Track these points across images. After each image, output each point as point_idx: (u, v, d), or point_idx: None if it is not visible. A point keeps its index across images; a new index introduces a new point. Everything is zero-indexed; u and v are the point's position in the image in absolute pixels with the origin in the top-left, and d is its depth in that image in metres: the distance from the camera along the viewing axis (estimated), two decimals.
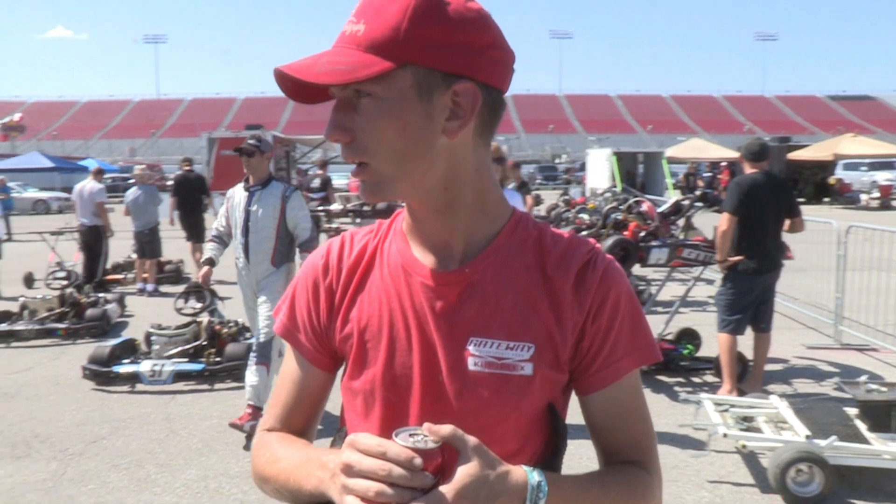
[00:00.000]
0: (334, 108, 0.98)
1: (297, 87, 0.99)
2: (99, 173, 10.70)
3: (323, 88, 0.98)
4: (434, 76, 0.94)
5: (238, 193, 5.05)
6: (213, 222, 5.33)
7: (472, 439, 0.89)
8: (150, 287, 10.35)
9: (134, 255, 10.95)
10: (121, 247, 12.39)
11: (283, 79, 0.97)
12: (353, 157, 0.98)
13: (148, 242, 10.38)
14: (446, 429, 0.88)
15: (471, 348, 1.01)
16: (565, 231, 1.13)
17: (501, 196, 1.09)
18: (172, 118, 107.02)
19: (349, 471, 0.87)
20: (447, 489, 0.85)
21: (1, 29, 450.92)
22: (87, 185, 10.42)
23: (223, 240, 5.20)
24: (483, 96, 0.97)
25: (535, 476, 0.92)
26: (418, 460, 0.84)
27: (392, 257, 1.08)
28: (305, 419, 1.17)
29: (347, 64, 0.92)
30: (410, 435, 0.88)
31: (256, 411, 4.72)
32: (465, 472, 0.86)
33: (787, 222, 5.42)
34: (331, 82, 0.92)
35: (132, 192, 10.45)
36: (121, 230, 11.57)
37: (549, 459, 1.07)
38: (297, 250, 5.04)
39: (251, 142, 4.93)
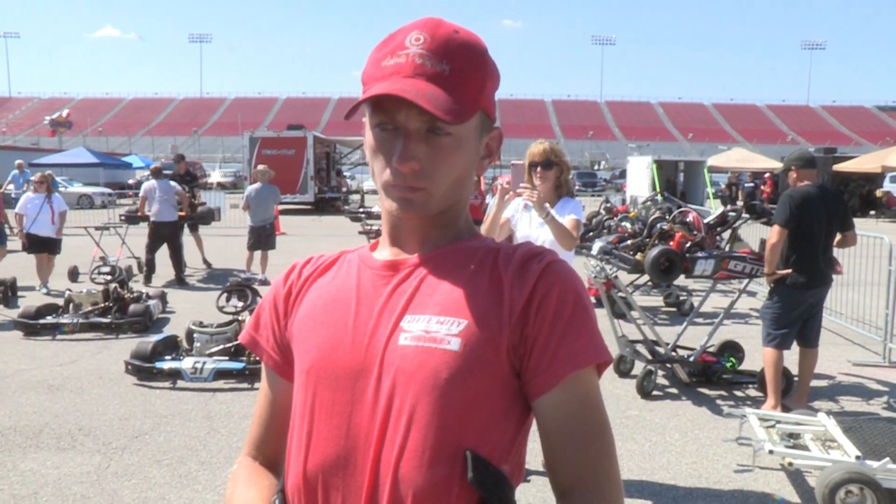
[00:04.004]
0: (408, 138, 1.02)
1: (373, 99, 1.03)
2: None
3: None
4: (488, 121, 1.11)
5: None
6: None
7: None
8: (261, 277, 10.94)
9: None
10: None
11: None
12: (416, 183, 1.04)
13: (267, 236, 11.07)
14: None
15: (403, 324, 1.02)
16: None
17: (469, 219, 1.18)
18: (215, 116, 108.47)
19: None
20: None
21: (53, 28, 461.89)
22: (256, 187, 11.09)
23: None
24: None
25: None
26: None
27: (350, 260, 1.17)
28: (281, 436, 1.15)
29: (449, 104, 1.00)
30: None
31: None
32: None
33: (837, 236, 5.31)
34: (447, 120, 0.99)
35: (252, 188, 11.06)
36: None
37: None
38: None
39: None
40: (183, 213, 11.47)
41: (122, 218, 12.63)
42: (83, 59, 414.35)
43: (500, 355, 0.99)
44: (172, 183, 11.54)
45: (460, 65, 1.03)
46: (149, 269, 10.99)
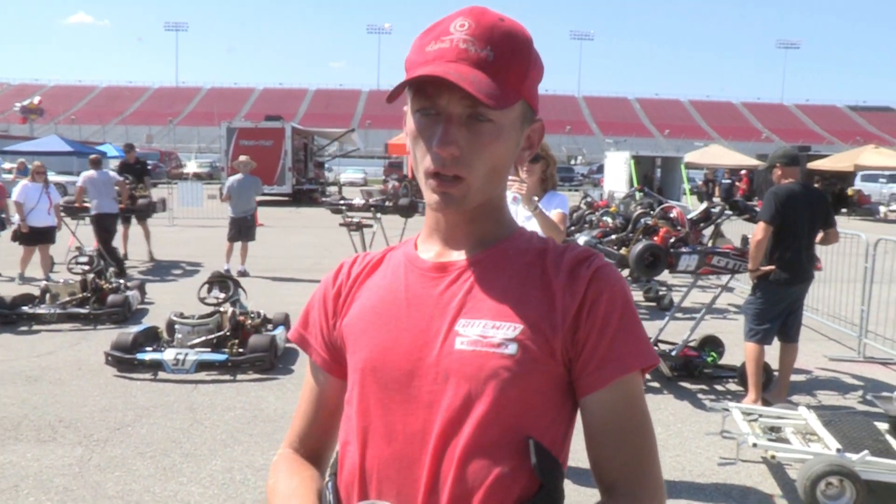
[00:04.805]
0: (449, 122, 1.02)
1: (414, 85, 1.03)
2: None
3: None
4: (530, 112, 1.10)
5: None
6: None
7: None
8: (241, 268, 10.83)
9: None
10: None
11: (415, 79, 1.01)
12: (455, 170, 1.03)
13: (248, 227, 11.07)
14: None
15: (458, 328, 1.04)
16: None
17: (509, 212, 1.19)
18: (190, 106, 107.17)
19: None
20: None
21: (24, 13, 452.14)
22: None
23: None
24: None
25: None
26: None
27: (396, 259, 1.17)
28: (323, 435, 1.22)
29: (492, 89, 1.00)
30: None
31: None
32: None
33: (820, 233, 5.38)
34: (489, 104, 0.99)
35: (234, 179, 11.00)
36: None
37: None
38: None
39: None
40: (122, 205, 11.22)
41: (61, 209, 12.28)
42: (55, 45, 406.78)
43: (555, 358, 1.03)
44: (112, 173, 11.30)
45: (504, 51, 1.02)
46: (116, 261, 10.54)
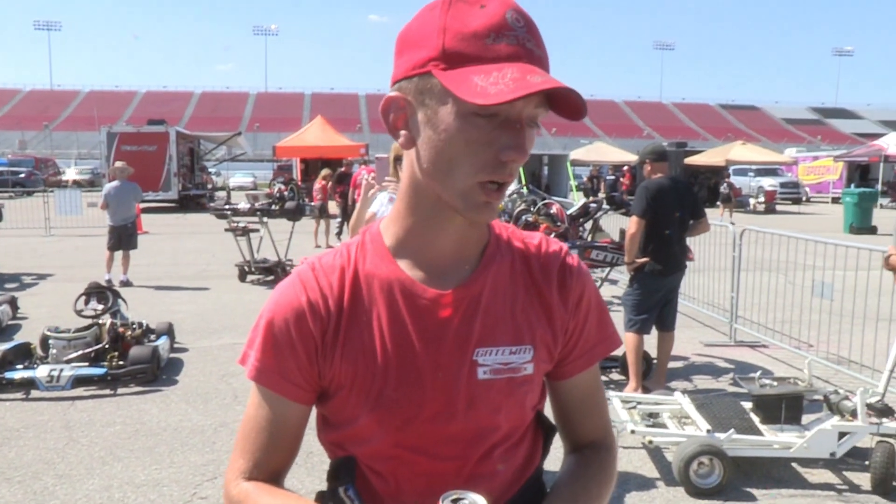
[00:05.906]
0: (523, 128, 0.97)
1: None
2: None
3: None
4: None
5: None
6: None
7: None
8: (123, 278, 10.57)
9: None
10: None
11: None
12: (509, 177, 1.00)
13: (129, 236, 10.68)
14: None
15: (478, 359, 1.08)
16: (532, 233, 1.23)
17: None
18: (68, 110, 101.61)
19: None
20: None
21: None
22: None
23: None
24: None
25: None
26: None
27: (381, 281, 1.08)
28: (286, 456, 1.14)
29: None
30: (453, 501, 0.93)
31: None
32: None
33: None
34: (582, 115, 0.98)
35: (111, 186, 10.55)
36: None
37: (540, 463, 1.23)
38: None
39: None
40: None
41: None
42: None
43: (553, 361, 1.17)
44: None
45: (545, 51, 1.00)
46: None
